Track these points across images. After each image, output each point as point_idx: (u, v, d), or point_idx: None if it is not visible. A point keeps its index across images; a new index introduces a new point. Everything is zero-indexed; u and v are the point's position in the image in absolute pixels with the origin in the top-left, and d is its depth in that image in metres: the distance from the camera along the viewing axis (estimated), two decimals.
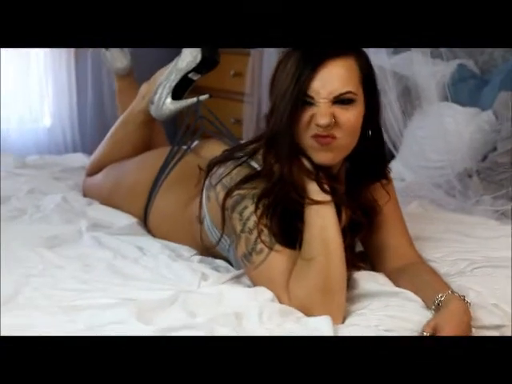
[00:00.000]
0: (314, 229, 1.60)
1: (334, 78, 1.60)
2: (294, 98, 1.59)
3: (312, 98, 1.60)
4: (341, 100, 1.60)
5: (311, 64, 1.60)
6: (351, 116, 1.62)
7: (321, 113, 1.59)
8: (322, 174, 1.65)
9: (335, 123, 1.60)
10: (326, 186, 1.63)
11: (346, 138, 1.63)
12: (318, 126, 1.59)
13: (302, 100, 1.60)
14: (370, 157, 1.76)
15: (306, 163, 1.64)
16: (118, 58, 2.72)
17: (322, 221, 1.61)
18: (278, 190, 1.64)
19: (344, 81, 1.61)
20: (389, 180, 1.86)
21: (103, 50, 2.75)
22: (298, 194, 1.63)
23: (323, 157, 1.63)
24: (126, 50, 2.76)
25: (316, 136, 1.61)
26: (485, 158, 2.80)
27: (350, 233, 1.76)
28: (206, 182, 1.82)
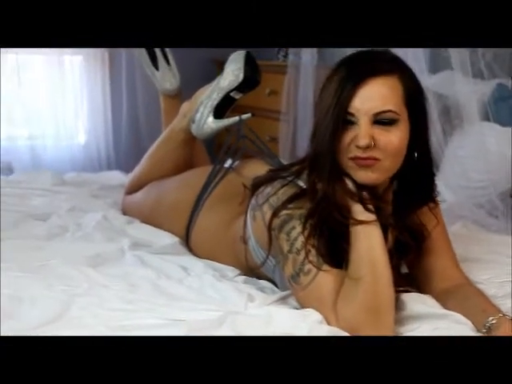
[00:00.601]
0: (360, 249, 1.58)
1: (374, 95, 1.58)
2: (335, 117, 1.58)
3: (353, 115, 1.58)
4: (382, 120, 1.58)
5: (353, 82, 1.58)
6: (393, 138, 1.59)
7: (361, 133, 1.57)
8: (367, 193, 1.63)
9: (375, 145, 1.57)
10: (370, 206, 1.61)
11: (388, 160, 1.60)
12: (357, 147, 1.58)
13: (343, 119, 1.58)
14: (418, 179, 1.72)
15: (349, 184, 1.62)
16: (167, 78, 2.74)
17: (369, 241, 1.58)
18: (322, 211, 1.62)
19: (385, 99, 1.59)
20: (436, 204, 1.83)
21: (153, 70, 2.76)
22: (341, 214, 1.61)
23: (364, 177, 1.61)
24: (176, 70, 2.76)
25: (355, 158, 1.59)
26: None
27: (396, 254, 1.74)
28: (252, 202, 1.80)
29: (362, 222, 1.59)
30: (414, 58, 2.80)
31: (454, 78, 2.95)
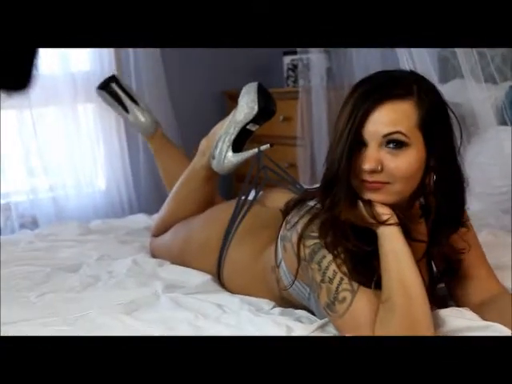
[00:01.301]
0: (391, 272, 1.58)
1: (385, 119, 1.59)
2: (348, 141, 1.59)
3: (363, 138, 1.60)
4: (391, 142, 1.59)
5: (366, 106, 1.59)
6: (401, 163, 1.59)
7: (367, 157, 1.58)
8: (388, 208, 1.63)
9: (383, 169, 1.58)
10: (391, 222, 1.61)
11: (398, 183, 1.60)
12: (364, 171, 1.59)
13: (356, 141, 1.59)
14: (444, 203, 1.70)
15: (363, 209, 1.63)
16: (139, 116, 2.88)
17: (398, 264, 1.58)
18: (344, 237, 1.63)
19: (395, 122, 1.59)
20: (468, 228, 1.81)
21: (124, 113, 2.91)
22: (355, 243, 1.63)
23: (373, 197, 1.62)
24: (146, 107, 2.92)
25: (363, 181, 1.60)
26: None
27: (431, 281, 1.77)
28: (281, 232, 1.81)
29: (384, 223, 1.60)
30: (423, 69, 2.79)
31: (466, 86, 2.95)
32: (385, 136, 1.58)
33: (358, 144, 1.60)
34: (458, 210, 1.75)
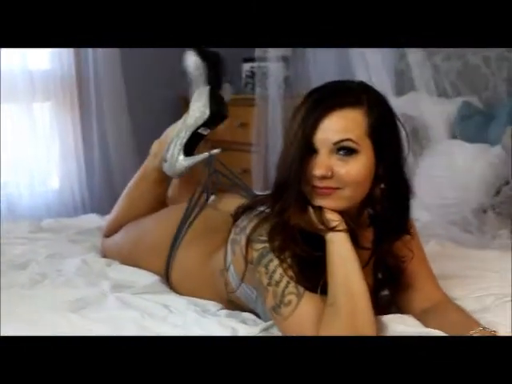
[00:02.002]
0: (337, 277, 1.61)
1: (335, 126, 1.62)
2: (299, 147, 1.62)
3: (314, 145, 1.62)
4: (341, 149, 1.61)
5: (317, 113, 1.62)
6: (351, 169, 1.61)
7: (317, 163, 1.61)
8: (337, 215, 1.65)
9: (333, 175, 1.61)
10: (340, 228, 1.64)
11: (349, 189, 1.62)
12: (314, 176, 1.61)
13: (307, 148, 1.62)
14: (390, 211, 1.72)
15: (313, 215, 1.65)
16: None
17: (345, 269, 1.61)
18: (292, 242, 1.65)
19: (345, 130, 1.62)
20: (412, 236, 1.83)
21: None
22: (303, 248, 1.65)
23: (323, 203, 1.64)
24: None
25: (314, 187, 1.63)
26: (498, 192, 2.81)
27: (374, 288, 1.79)
28: (231, 236, 1.83)
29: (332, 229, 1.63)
30: (378, 81, 2.83)
31: (420, 99, 2.99)
32: (335, 143, 1.61)
33: (308, 151, 1.62)
34: (403, 218, 1.77)
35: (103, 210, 3.38)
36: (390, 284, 1.85)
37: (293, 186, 1.62)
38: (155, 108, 4.44)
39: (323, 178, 1.60)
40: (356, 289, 1.59)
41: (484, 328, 1.60)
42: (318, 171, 1.60)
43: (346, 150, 1.61)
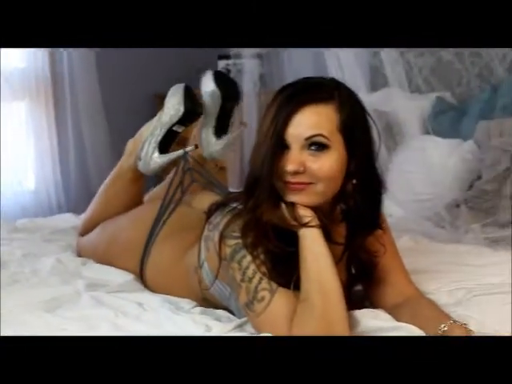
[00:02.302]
0: (310, 272, 1.61)
1: (306, 122, 1.63)
2: (271, 143, 1.63)
3: (286, 140, 1.63)
4: (313, 144, 1.63)
5: (289, 109, 1.63)
6: (323, 165, 1.62)
7: (289, 159, 1.62)
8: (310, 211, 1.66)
9: (305, 171, 1.62)
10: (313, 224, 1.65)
11: (321, 184, 1.64)
12: (286, 172, 1.62)
13: (279, 144, 1.63)
14: (363, 206, 1.73)
15: (286, 211, 1.66)
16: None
17: (317, 264, 1.61)
18: (265, 238, 1.66)
19: (316, 125, 1.63)
20: (384, 230, 1.85)
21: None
22: (276, 244, 1.66)
23: (296, 199, 1.65)
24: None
25: (286, 182, 1.64)
26: (470, 187, 2.83)
27: (347, 282, 1.80)
28: (204, 233, 1.83)
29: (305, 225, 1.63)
30: (351, 77, 2.86)
31: (393, 95, 3.02)
32: (307, 138, 1.62)
33: (280, 146, 1.63)
34: (375, 213, 1.78)
35: (79, 210, 3.36)
36: (362, 279, 1.87)
37: (265, 182, 1.63)
38: (131, 107, 4.43)
39: (296, 173, 1.61)
40: (329, 284, 1.59)
41: (455, 321, 1.61)
42: (290, 166, 1.61)
43: (317, 145, 1.62)
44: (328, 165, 1.63)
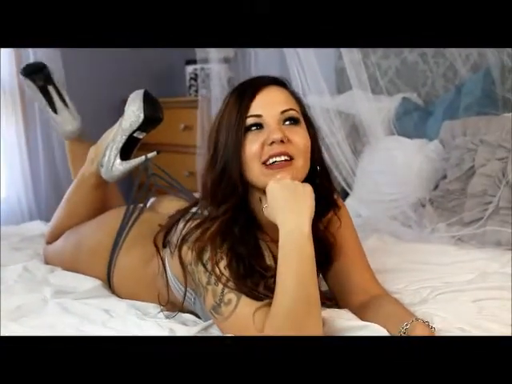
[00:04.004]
0: (289, 265, 1.54)
1: (275, 98, 1.69)
2: (238, 123, 1.66)
3: (259, 116, 1.66)
4: (288, 119, 1.68)
5: (250, 91, 1.69)
6: (301, 136, 1.68)
7: (272, 130, 1.65)
8: None
9: (288, 141, 1.65)
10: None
11: (301, 158, 1.67)
12: (271, 144, 1.64)
13: (250, 124, 1.67)
14: (321, 189, 1.76)
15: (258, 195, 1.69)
16: (67, 120, 2.73)
17: (299, 256, 1.54)
18: (232, 235, 1.67)
19: (286, 100, 1.71)
20: (339, 207, 1.88)
21: (52, 114, 2.74)
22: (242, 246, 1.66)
23: (279, 176, 1.64)
24: (75, 111, 2.77)
25: (269, 164, 1.65)
26: (436, 186, 2.85)
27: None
28: (167, 239, 1.83)
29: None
30: (314, 80, 2.87)
31: (356, 97, 3.04)
32: (283, 112, 1.67)
33: (250, 127, 1.67)
34: (331, 191, 1.85)
35: (51, 218, 3.35)
36: (322, 263, 1.85)
37: (237, 169, 1.66)
38: (98, 112, 4.41)
39: (281, 142, 1.63)
40: (308, 279, 1.54)
41: (417, 319, 1.59)
42: (277, 134, 1.63)
43: (291, 120, 1.68)
44: (304, 137, 1.69)
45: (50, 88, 2.76)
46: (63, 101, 2.77)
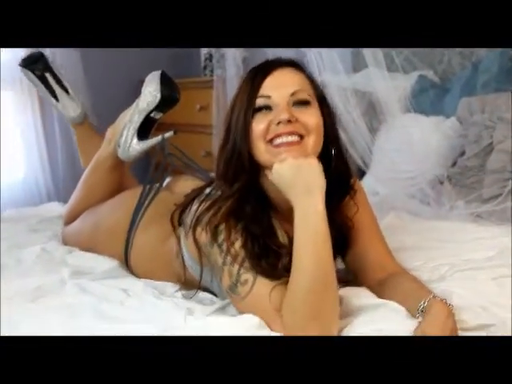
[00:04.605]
0: (305, 245, 1.54)
1: (286, 80, 1.68)
2: (248, 103, 1.66)
3: (269, 97, 1.66)
4: (298, 101, 1.67)
5: (262, 73, 1.69)
6: (311, 116, 1.67)
7: (279, 111, 1.65)
8: None
9: (297, 121, 1.64)
10: None
11: (311, 137, 1.66)
12: (279, 124, 1.64)
13: (259, 106, 1.67)
14: (337, 174, 1.76)
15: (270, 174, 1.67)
16: (69, 107, 2.75)
17: (315, 236, 1.54)
18: (246, 213, 1.67)
19: (296, 82, 1.69)
20: (356, 190, 1.87)
21: (54, 102, 2.77)
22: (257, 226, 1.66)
23: (289, 155, 1.63)
24: (75, 97, 2.79)
25: (278, 136, 1.64)
26: (454, 163, 2.83)
27: None
28: (184, 220, 1.83)
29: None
30: (329, 58, 2.86)
31: (372, 75, 3.02)
32: (293, 94, 1.66)
33: (260, 108, 1.67)
34: (349, 177, 1.84)
35: (68, 199, 3.36)
36: (339, 247, 1.85)
37: (245, 148, 1.67)
38: (116, 93, 4.41)
39: (288, 122, 1.63)
40: (324, 258, 1.53)
41: (434, 297, 1.59)
42: (283, 115, 1.63)
43: (302, 102, 1.67)
44: (315, 116, 1.68)
45: (49, 76, 2.77)
46: (63, 87, 2.78)
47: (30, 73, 2.77)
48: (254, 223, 1.66)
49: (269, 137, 1.65)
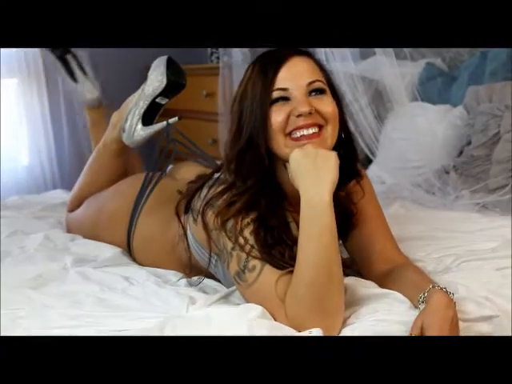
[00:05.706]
0: (311, 235, 1.53)
1: (300, 69, 1.66)
2: (264, 95, 1.63)
3: (286, 90, 1.64)
4: (314, 90, 1.66)
5: (275, 62, 1.66)
6: (328, 105, 1.66)
7: (299, 102, 1.63)
8: None
9: (315, 112, 1.63)
10: None
11: (330, 126, 1.66)
12: (297, 117, 1.62)
13: (276, 98, 1.64)
14: (345, 158, 1.72)
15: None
16: (87, 89, 2.75)
17: (319, 229, 1.53)
18: (259, 203, 1.65)
19: (311, 71, 1.68)
20: (362, 176, 1.86)
21: (72, 83, 2.77)
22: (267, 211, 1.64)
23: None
24: (94, 80, 2.80)
25: (299, 128, 1.63)
26: (460, 153, 2.82)
27: None
28: (191, 205, 1.81)
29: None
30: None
31: (380, 62, 3.00)
32: (309, 84, 1.65)
33: (276, 100, 1.64)
34: (356, 163, 1.83)
35: (73, 186, 3.36)
36: (343, 230, 1.84)
37: (262, 140, 1.64)
38: (122, 79, 4.40)
39: (309, 114, 1.62)
40: (330, 248, 1.52)
41: (434, 286, 1.56)
42: (304, 108, 1.61)
43: (318, 91, 1.66)
44: (332, 104, 1.67)
45: (69, 57, 2.79)
46: (82, 69, 2.80)
47: (50, 52, 2.80)
48: (269, 215, 1.65)
49: (288, 129, 1.63)
